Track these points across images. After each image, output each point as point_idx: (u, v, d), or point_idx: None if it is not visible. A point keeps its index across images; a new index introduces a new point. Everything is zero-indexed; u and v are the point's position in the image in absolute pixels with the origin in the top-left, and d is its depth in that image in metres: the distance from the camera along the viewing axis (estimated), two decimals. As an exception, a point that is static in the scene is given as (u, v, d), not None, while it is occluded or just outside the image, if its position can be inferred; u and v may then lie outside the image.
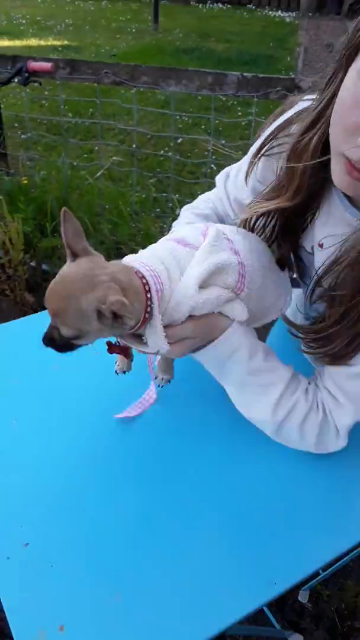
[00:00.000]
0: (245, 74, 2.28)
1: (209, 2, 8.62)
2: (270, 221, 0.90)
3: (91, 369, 1.03)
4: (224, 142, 4.07)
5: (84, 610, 0.72)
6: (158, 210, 2.92)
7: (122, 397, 0.99)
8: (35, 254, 2.33)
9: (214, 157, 3.43)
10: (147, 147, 3.79)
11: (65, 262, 0.75)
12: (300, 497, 0.87)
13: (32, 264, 2.33)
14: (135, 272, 0.73)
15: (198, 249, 0.78)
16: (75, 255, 0.73)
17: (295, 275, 1.02)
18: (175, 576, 0.75)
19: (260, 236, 0.92)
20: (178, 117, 3.69)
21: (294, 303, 1.02)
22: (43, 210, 2.46)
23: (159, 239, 0.85)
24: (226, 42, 6.90)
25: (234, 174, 1.06)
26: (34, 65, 2.42)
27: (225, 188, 1.08)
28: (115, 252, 2.44)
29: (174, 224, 1.07)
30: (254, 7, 8.52)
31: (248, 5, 8.56)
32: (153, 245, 0.82)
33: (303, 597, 1.58)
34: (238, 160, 1.05)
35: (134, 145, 3.44)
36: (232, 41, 6.94)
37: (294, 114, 0.84)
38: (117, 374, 0.95)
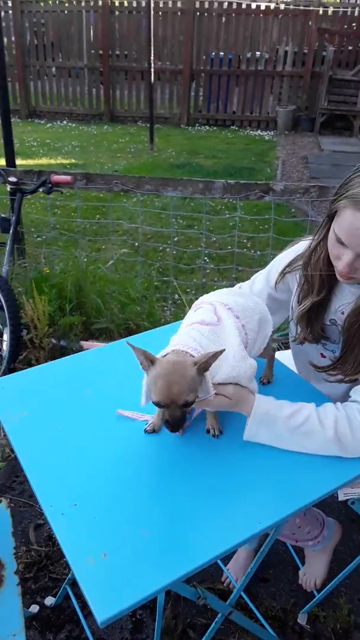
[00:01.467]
0: (229, 180, 2.82)
1: (197, 125, 9.79)
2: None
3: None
4: (214, 238, 4.63)
5: (121, 542, 0.99)
6: (159, 295, 3.34)
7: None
8: (56, 330, 2.70)
9: (207, 250, 3.94)
10: (148, 243, 4.32)
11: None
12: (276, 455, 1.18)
13: (53, 340, 2.69)
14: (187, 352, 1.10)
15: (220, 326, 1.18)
16: (152, 361, 1.07)
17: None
18: (183, 516, 1.04)
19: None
20: (174, 219, 4.25)
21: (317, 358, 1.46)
22: (62, 295, 2.88)
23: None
24: (213, 158, 7.79)
25: (247, 287, 1.53)
26: (57, 177, 2.87)
27: None
28: (124, 326, 2.82)
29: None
30: (236, 128, 9.67)
31: (231, 127, 9.72)
32: (185, 329, 1.19)
33: (302, 619, 1.75)
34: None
35: (136, 243, 3.94)
36: (219, 157, 7.85)
37: (303, 250, 1.37)
38: (147, 432, 1.22)
